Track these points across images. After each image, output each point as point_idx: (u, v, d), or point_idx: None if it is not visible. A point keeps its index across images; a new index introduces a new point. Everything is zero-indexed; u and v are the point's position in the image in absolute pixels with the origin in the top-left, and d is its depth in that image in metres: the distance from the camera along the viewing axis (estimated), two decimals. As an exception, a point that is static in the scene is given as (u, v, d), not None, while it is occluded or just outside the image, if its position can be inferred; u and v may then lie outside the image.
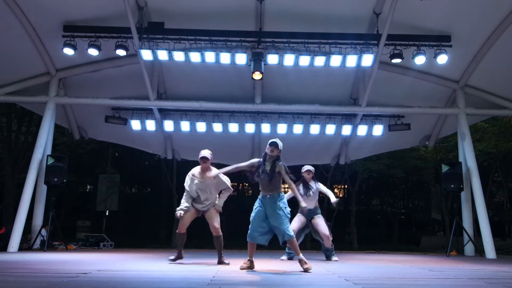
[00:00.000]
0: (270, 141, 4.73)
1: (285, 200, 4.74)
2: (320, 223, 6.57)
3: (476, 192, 8.97)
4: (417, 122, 10.80)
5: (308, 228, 6.77)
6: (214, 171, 5.61)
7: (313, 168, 6.82)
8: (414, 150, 16.68)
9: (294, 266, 5.45)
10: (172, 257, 5.84)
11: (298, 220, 6.63)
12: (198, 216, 5.76)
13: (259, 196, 4.79)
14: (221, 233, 5.67)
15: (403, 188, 26.14)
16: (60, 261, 5.62)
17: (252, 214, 4.75)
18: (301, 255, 4.60)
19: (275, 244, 6.55)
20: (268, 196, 4.66)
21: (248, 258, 4.77)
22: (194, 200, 5.69)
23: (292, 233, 4.64)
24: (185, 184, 5.71)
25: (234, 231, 16.06)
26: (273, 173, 4.62)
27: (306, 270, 4.45)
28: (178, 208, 5.61)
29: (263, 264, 5.60)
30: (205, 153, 5.61)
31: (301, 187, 6.60)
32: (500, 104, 9.72)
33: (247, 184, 27.37)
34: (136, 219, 22.98)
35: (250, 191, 27.42)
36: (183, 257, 5.86)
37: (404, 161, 18.68)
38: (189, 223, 5.69)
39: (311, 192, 6.60)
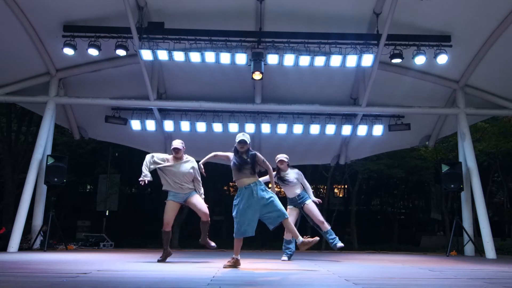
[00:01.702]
0: (239, 139, 4.90)
1: (263, 185, 4.89)
2: (313, 209, 6.52)
3: (476, 192, 8.97)
4: (417, 122, 10.80)
5: (298, 218, 6.72)
6: (191, 160, 5.76)
7: (286, 157, 6.69)
8: (414, 150, 16.68)
9: (294, 266, 5.45)
10: (160, 258, 5.73)
11: (292, 215, 6.51)
12: (181, 207, 5.79)
13: (239, 191, 4.84)
14: (208, 219, 5.73)
15: (403, 188, 26.12)
16: (60, 261, 5.62)
17: (237, 210, 4.78)
18: (300, 238, 4.73)
19: (276, 244, 6.55)
20: (252, 184, 4.79)
21: (234, 256, 4.81)
22: (174, 191, 5.70)
23: (287, 214, 4.87)
24: (146, 160, 5.80)
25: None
26: (252, 159, 4.85)
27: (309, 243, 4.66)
28: (141, 178, 5.67)
29: (263, 264, 5.59)
30: (176, 143, 5.73)
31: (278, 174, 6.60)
32: (500, 104, 9.71)
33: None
34: (136, 219, 22.97)
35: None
36: (171, 253, 5.83)
37: (404, 161, 18.68)
38: (173, 219, 5.70)
39: (288, 180, 6.57)
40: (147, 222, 22.38)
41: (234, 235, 4.84)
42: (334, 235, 6.58)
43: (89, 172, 21.13)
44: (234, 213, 4.83)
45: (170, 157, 5.83)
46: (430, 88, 10.03)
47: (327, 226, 6.54)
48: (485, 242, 8.63)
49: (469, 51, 9.03)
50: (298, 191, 6.65)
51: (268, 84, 9.87)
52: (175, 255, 6.39)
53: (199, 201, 5.70)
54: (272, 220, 4.80)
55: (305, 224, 7.04)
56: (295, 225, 6.57)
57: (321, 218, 6.54)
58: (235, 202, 4.87)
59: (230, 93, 10.06)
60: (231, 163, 4.94)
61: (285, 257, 6.58)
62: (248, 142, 4.94)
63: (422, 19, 8.42)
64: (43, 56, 9.16)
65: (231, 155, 5.06)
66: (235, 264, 4.77)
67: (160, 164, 5.73)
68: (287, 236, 6.54)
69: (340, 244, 6.48)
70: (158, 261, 5.65)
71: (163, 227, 5.62)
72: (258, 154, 5.00)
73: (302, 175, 6.77)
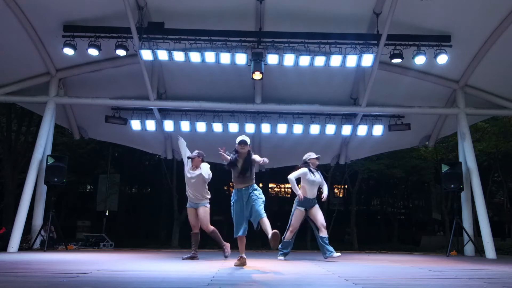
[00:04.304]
0: (239, 139, 5.06)
1: (259, 189, 5.16)
2: (319, 212, 6.56)
3: (476, 192, 8.97)
4: (417, 122, 10.79)
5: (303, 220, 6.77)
6: (204, 166, 6.35)
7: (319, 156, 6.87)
8: (414, 150, 16.68)
9: (294, 266, 5.46)
10: (185, 256, 6.38)
11: (299, 216, 6.56)
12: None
13: (234, 190, 5.18)
14: (211, 228, 6.37)
15: (403, 188, 26.14)
16: (60, 261, 5.62)
17: (233, 211, 5.13)
18: (270, 233, 4.70)
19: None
20: (244, 188, 5.10)
21: (240, 255, 5.08)
22: (189, 198, 6.38)
23: (264, 214, 4.98)
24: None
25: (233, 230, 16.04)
26: (249, 165, 5.07)
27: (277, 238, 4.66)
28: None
29: (263, 264, 5.59)
30: (193, 154, 6.42)
31: (309, 173, 6.59)
32: (500, 104, 9.71)
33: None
34: (136, 219, 22.99)
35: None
36: (196, 257, 6.38)
37: (404, 161, 18.69)
38: (195, 222, 6.39)
39: (316, 181, 6.63)
40: (147, 222, 22.43)
41: (234, 235, 5.15)
42: (329, 245, 6.55)
43: (89, 172, 21.14)
44: (232, 214, 5.15)
45: (190, 165, 6.48)
46: (430, 88, 10.03)
47: (326, 232, 6.55)
48: (485, 242, 8.62)
49: (469, 51, 9.03)
50: (315, 194, 6.69)
51: (268, 84, 9.87)
52: (175, 255, 6.43)
53: (201, 215, 6.34)
54: (253, 220, 5.05)
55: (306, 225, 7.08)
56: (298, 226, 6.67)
57: (324, 222, 6.56)
58: (231, 202, 5.18)
59: (230, 93, 10.06)
60: (232, 166, 5.10)
61: (281, 257, 6.59)
62: (249, 144, 5.06)
63: (422, 19, 8.41)
64: (43, 56, 9.16)
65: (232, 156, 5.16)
66: (243, 263, 5.02)
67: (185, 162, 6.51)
68: (287, 237, 6.57)
69: (336, 254, 6.42)
70: (183, 259, 6.27)
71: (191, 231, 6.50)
72: (254, 157, 5.12)
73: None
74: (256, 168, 5.28)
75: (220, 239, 6.49)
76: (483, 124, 14.24)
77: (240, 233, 5.03)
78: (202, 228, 6.40)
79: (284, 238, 6.54)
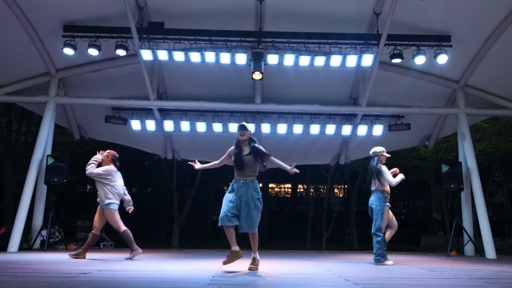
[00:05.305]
0: (238, 125, 4.68)
1: (259, 191, 4.55)
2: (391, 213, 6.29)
3: (476, 192, 8.97)
4: (417, 122, 10.80)
5: None
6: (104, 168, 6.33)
7: None
8: (414, 150, 16.67)
9: (294, 266, 5.46)
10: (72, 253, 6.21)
11: (388, 211, 6.35)
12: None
13: (233, 181, 4.61)
14: (122, 229, 6.16)
15: (403, 188, 26.12)
16: (60, 261, 5.63)
17: (224, 199, 4.55)
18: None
19: (275, 244, 6.55)
20: (242, 181, 4.52)
21: (231, 249, 4.39)
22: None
23: (256, 229, 4.43)
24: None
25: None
26: (256, 155, 4.53)
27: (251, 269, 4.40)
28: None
29: (262, 264, 5.59)
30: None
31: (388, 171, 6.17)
32: (500, 104, 9.71)
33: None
34: (136, 219, 22.93)
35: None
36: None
37: (404, 161, 18.68)
38: (97, 222, 6.29)
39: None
40: (147, 222, 22.40)
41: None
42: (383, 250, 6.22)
43: (89, 172, 21.09)
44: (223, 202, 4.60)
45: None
46: (430, 88, 10.03)
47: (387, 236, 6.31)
48: (485, 242, 8.62)
49: (469, 51, 9.03)
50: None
51: (268, 84, 9.87)
52: (175, 255, 6.40)
53: (108, 219, 6.25)
54: (243, 226, 4.42)
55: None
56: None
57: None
58: (227, 192, 4.65)
59: (230, 93, 10.06)
60: (232, 160, 4.62)
61: (389, 262, 6.23)
62: (249, 130, 4.63)
63: (422, 19, 8.42)
64: (43, 56, 9.16)
65: (231, 149, 4.73)
66: (235, 257, 4.37)
67: None
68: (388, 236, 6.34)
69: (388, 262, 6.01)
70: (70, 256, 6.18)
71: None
72: (261, 147, 4.61)
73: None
74: (267, 165, 4.62)
75: (131, 241, 6.20)
76: (483, 124, 14.23)
77: (225, 223, 4.33)
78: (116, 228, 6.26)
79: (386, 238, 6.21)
